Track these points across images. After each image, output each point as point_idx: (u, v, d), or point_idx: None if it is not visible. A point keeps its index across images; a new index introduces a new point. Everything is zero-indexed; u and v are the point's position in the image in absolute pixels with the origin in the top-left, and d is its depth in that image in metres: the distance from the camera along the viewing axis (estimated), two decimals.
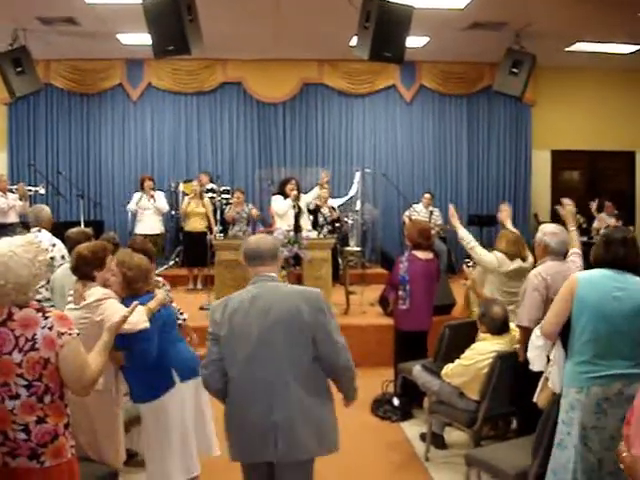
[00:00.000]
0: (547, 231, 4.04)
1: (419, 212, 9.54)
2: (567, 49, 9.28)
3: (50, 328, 2.28)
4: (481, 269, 5.08)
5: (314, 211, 8.48)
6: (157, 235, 8.58)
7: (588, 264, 3.35)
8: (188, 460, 3.40)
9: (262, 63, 10.20)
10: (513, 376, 3.93)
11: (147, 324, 3.16)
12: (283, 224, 7.40)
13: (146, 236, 7.24)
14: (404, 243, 5.91)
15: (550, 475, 3.04)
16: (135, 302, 2.79)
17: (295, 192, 7.57)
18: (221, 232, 8.38)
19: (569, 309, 3.06)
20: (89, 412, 3.26)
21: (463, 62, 10.40)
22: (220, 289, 6.54)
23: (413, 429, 5.02)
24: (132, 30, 8.17)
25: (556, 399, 3.13)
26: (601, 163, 11.31)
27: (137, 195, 8.74)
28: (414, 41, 8.35)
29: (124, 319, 2.59)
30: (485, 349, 4.05)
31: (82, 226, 6.63)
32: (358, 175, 9.88)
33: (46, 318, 2.30)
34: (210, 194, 9.22)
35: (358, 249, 8.81)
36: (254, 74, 10.38)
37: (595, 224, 9.75)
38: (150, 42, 6.32)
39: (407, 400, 5.28)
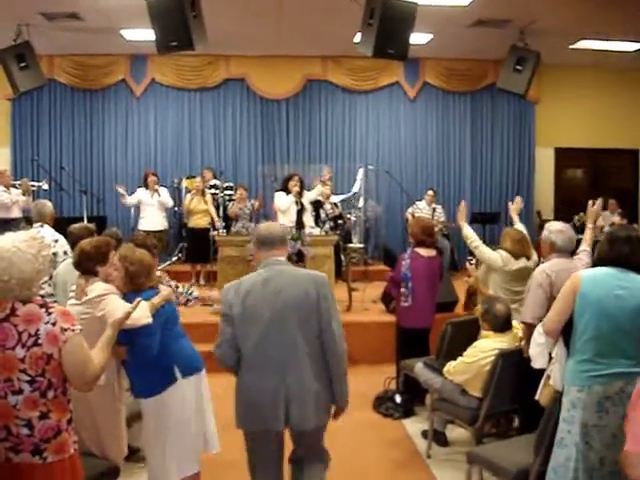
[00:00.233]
0: (553, 229, 4.05)
1: (422, 209, 9.53)
2: (571, 47, 9.27)
3: (53, 324, 2.29)
4: (484, 268, 5.06)
5: (316, 207, 8.47)
6: (161, 231, 8.53)
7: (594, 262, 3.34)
8: (189, 456, 3.40)
9: (265, 59, 10.19)
10: (515, 374, 3.92)
11: (150, 320, 3.16)
12: (285, 220, 7.43)
13: (150, 232, 7.25)
14: (407, 240, 5.90)
15: (550, 473, 3.04)
16: (138, 298, 2.80)
17: (297, 188, 7.57)
18: (224, 228, 8.38)
19: (572, 307, 3.05)
20: (91, 407, 3.25)
21: (467, 59, 10.37)
22: (223, 285, 6.50)
23: (415, 426, 5.02)
24: (136, 26, 8.17)
25: (558, 397, 3.12)
26: (605, 161, 11.29)
27: (140, 191, 8.68)
28: (418, 38, 8.34)
29: (127, 315, 2.60)
30: (487, 347, 4.05)
31: (85, 222, 6.63)
32: (361, 172, 9.87)
33: (49, 314, 2.31)
34: (213, 190, 9.22)
35: (361, 246, 8.80)
36: (257, 70, 10.37)
37: (599, 222, 9.71)
38: (154, 38, 6.34)
39: (409, 397, 5.28)
